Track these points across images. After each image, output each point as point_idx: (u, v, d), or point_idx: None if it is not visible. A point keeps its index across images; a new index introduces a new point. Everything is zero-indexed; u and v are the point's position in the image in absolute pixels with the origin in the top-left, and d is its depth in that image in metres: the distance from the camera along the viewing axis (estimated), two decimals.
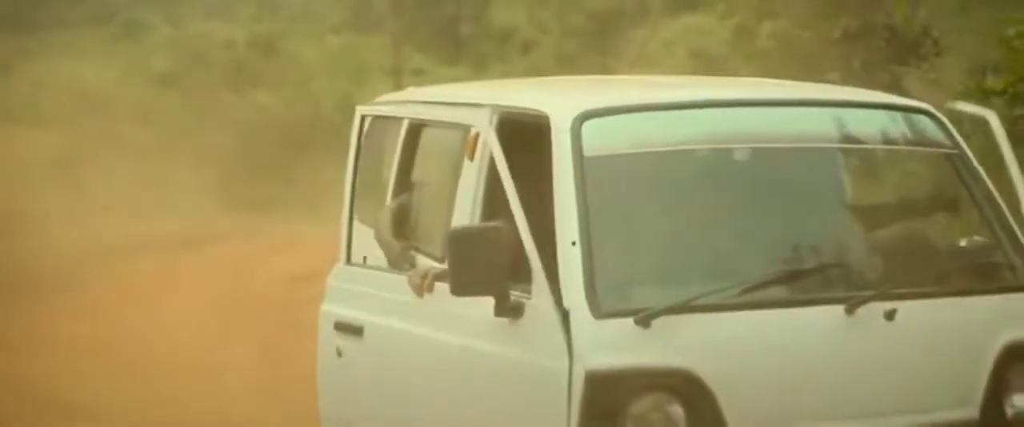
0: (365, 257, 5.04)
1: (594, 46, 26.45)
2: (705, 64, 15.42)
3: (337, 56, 28.42)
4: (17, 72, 30.65)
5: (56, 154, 19.40)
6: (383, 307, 4.76)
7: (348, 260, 4.98)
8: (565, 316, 3.98)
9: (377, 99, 7.20)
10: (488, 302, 4.11)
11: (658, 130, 4.34)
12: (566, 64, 25.50)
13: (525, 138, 4.73)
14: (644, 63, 23.26)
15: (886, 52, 10.87)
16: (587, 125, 4.26)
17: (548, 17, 29.72)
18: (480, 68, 27.05)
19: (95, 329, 9.77)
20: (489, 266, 4.02)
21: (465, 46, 31.13)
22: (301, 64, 21.02)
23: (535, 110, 4.50)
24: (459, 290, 4.07)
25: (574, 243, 4.04)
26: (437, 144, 5.42)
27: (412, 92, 6.38)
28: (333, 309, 5.04)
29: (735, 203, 4.33)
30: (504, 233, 4.06)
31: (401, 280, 4.72)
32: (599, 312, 3.96)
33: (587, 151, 4.20)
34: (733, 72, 11.65)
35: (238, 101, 19.13)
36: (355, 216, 6.76)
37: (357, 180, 5.10)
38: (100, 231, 15.67)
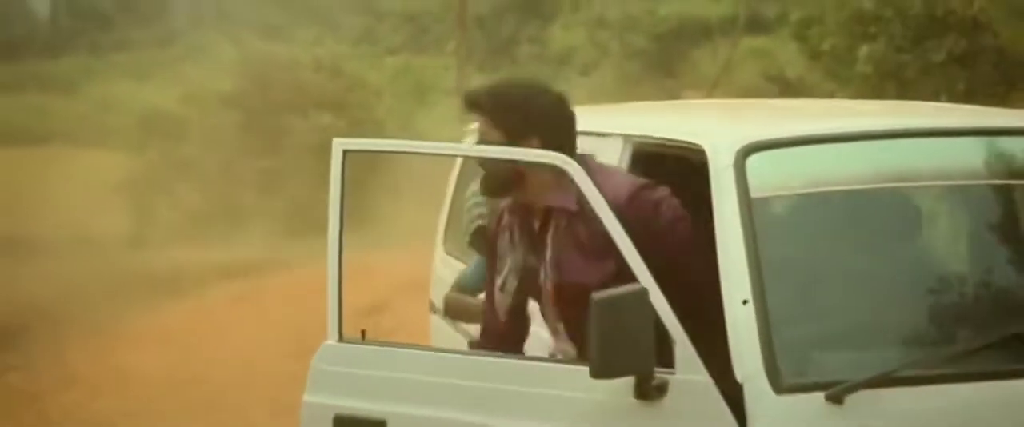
0: (364, 331, 3.79)
1: (658, 68, 25.74)
2: (781, 88, 14.62)
3: (397, 77, 27.93)
4: (82, 93, 30.44)
5: (119, 176, 18.92)
6: (420, 393, 3.58)
7: (341, 336, 3.65)
8: (736, 392, 3.24)
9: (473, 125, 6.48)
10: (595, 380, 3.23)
11: (837, 165, 3.57)
12: (629, 86, 24.84)
13: (666, 175, 4.02)
14: (711, 86, 22.50)
15: (993, 75, 10.05)
16: (752, 160, 3.51)
17: (608, 38, 29.08)
18: None
19: (165, 364, 9.07)
20: (637, 340, 3.21)
21: (524, 67, 30.59)
22: (364, 86, 20.44)
23: (684, 141, 3.76)
24: (603, 371, 3.19)
25: (746, 302, 3.29)
26: None
27: None
28: (328, 400, 3.68)
29: (935, 250, 3.57)
30: (650, 298, 3.29)
31: (441, 358, 3.68)
32: (781, 386, 3.19)
33: (755, 191, 3.46)
34: (826, 97, 10.87)
35: (301, 123, 18.56)
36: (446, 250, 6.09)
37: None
38: (164, 256, 15.13)
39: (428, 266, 5.95)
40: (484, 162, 3.70)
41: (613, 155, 4.12)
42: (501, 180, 3.65)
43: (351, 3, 34.77)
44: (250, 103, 18.88)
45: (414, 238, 8.51)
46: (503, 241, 3.76)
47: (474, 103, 3.68)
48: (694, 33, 27.14)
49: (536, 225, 3.66)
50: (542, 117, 3.59)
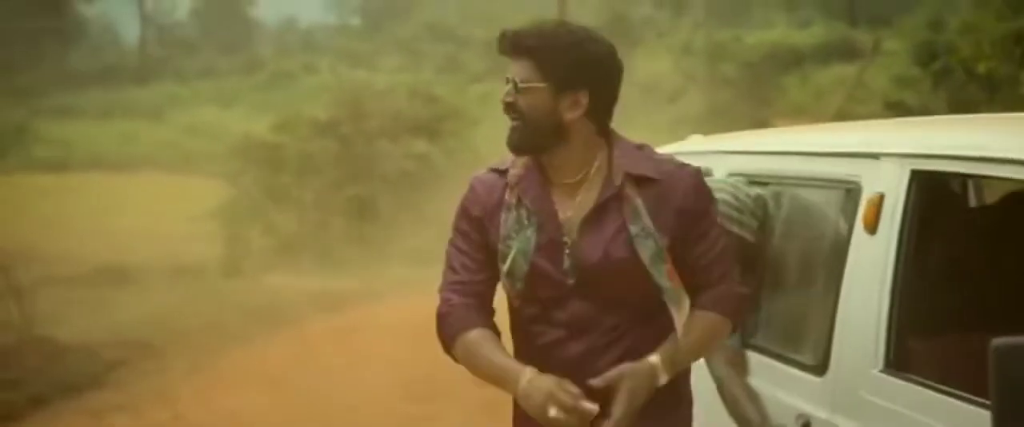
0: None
1: (747, 95, 24.70)
2: (902, 114, 13.57)
3: (482, 104, 27.19)
4: (168, 119, 30.03)
5: (209, 203, 18.24)
6: None
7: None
8: None
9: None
10: None
11: None
12: (718, 114, 23.82)
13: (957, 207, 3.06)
14: (813, 114, 21.48)
15: None
16: None
17: (695, 65, 28.09)
18: (623, 117, 25.53)
19: (272, 405, 8.18)
20: None
21: None
22: (459, 114, 19.68)
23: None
24: None
25: None
26: (788, 209, 3.80)
27: (698, 141, 4.76)
28: None
29: None
30: None
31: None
32: None
33: None
34: None
35: (395, 150, 17.78)
36: None
37: None
38: (259, 285, 14.35)
39: None
40: (520, 106, 2.81)
41: (885, 182, 3.17)
42: (540, 133, 2.83)
43: (434, 31, 34.15)
44: (343, 130, 18.14)
45: None
46: (506, 221, 2.89)
47: (516, 45, 2.81)
48: (784, 61, 26.14)
49: (574, 193, 2.89)
50: (595, 66, 2.84)
